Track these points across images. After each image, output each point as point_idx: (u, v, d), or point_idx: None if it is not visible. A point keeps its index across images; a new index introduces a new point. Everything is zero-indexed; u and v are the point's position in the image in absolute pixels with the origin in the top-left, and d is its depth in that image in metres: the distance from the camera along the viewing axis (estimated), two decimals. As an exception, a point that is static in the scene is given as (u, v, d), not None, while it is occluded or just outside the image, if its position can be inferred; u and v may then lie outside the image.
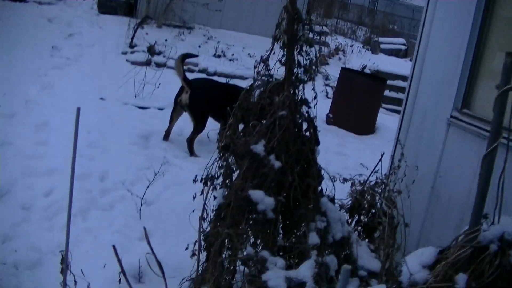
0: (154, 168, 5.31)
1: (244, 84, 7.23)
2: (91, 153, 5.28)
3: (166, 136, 6.14)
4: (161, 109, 7.23)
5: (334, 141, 7.84)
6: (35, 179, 4.60)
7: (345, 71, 9.31)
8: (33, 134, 5.50)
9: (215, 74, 9.63)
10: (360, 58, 12.55)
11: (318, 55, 11.26)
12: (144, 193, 4.35)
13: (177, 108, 6.05)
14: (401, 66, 12.38)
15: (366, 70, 11.06)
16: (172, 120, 6.14)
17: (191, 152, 5.90)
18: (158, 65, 9.26)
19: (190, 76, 6.51)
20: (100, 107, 6.73)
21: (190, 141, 5.92)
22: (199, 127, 5.95)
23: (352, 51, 12.90)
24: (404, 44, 14.21)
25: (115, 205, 4.48)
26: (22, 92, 6.83)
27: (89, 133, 5.70)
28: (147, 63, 9.27)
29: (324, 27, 13.55)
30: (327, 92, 10.37)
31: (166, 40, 9.42)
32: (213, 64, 9.82)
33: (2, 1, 10.43)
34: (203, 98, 5.95)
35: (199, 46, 10.13)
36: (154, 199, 4.58)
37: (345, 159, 7.19)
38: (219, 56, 10.27)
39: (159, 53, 9.57)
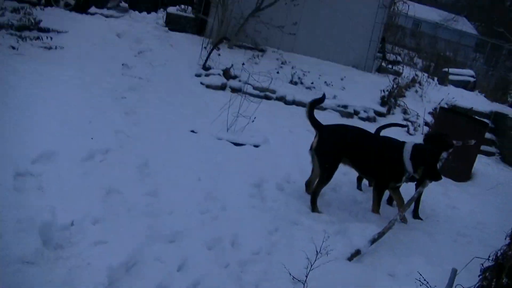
0: (283, 230, 4.52)
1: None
2: (212, 209, 4.45)
3: (307, 188, 5.46)
4: (257, 146, 6.41)
5: (438, 190, 6.99)
6: (160, 245, 3.74)
7: (444, 112, 8.48)
8: (138, 180, 4.63)
9: (293, 103, 8.81)
10: (437, 91, 11.58)
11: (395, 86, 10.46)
12: (306, 276, 3.48)
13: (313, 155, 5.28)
14: (475, 100, 11.38)
15: (443, 105, 10.16)
16: (313, 170, 5.36)
17: (313, 207, 5.05)
18: (234, 90, 8.46)
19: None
20: (195, 143, 5.90)
21: (314, 193, 5.09)
22: (324, 176, 5.11)
23: (430, 83, 11.92)
24: (472, 76, 13.27)
25: (260, 286, 3.64)
26: (107, 119, 6.01)
27: (200, 180, 4.89)
28: (222, 87, 8.50)
29: (397, 55, 12.63)
30: (408, 129, 9.47)
31: (243, 64, 8.58)
32: (291, 92, 8.98)
33: (69, 12, 9.66)
34: (332, 143, 5.17)
35: (278, 72, 9.28)
36: (303, 275, 3.63)
37: (457, 215, 6.42)
38: (295, 83, 9.39)
39: (235, 77, 8.78)
